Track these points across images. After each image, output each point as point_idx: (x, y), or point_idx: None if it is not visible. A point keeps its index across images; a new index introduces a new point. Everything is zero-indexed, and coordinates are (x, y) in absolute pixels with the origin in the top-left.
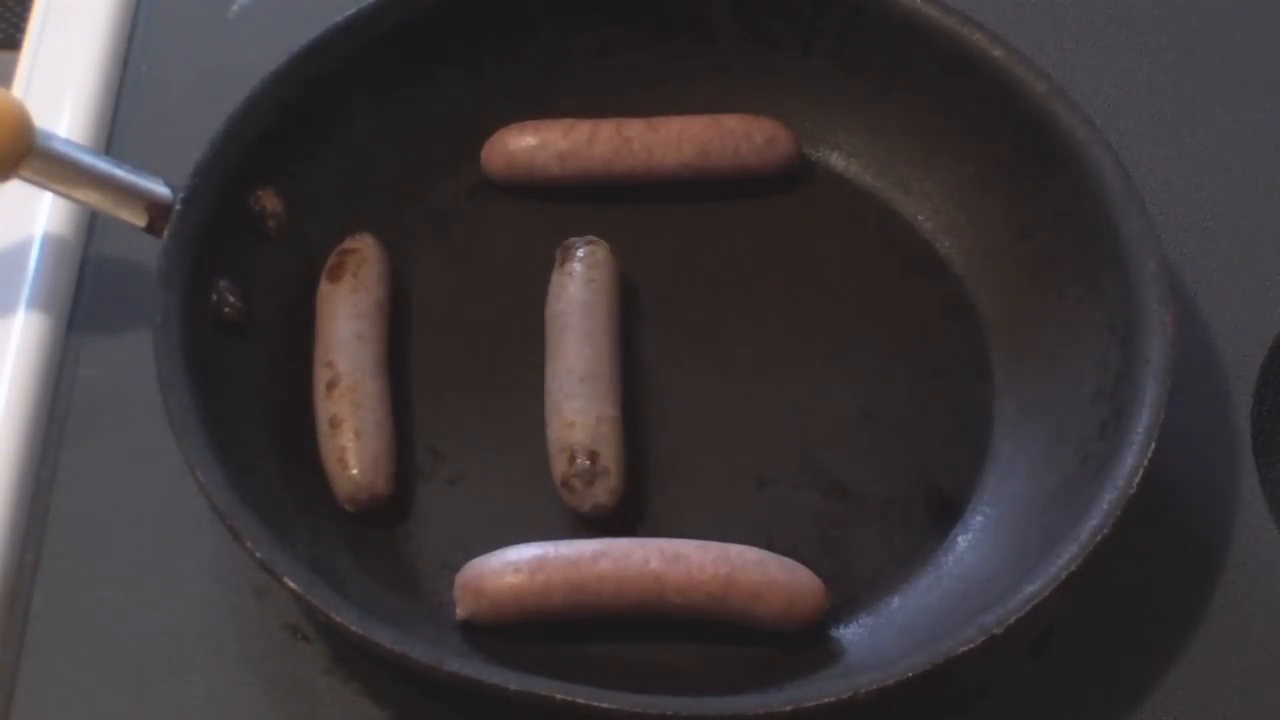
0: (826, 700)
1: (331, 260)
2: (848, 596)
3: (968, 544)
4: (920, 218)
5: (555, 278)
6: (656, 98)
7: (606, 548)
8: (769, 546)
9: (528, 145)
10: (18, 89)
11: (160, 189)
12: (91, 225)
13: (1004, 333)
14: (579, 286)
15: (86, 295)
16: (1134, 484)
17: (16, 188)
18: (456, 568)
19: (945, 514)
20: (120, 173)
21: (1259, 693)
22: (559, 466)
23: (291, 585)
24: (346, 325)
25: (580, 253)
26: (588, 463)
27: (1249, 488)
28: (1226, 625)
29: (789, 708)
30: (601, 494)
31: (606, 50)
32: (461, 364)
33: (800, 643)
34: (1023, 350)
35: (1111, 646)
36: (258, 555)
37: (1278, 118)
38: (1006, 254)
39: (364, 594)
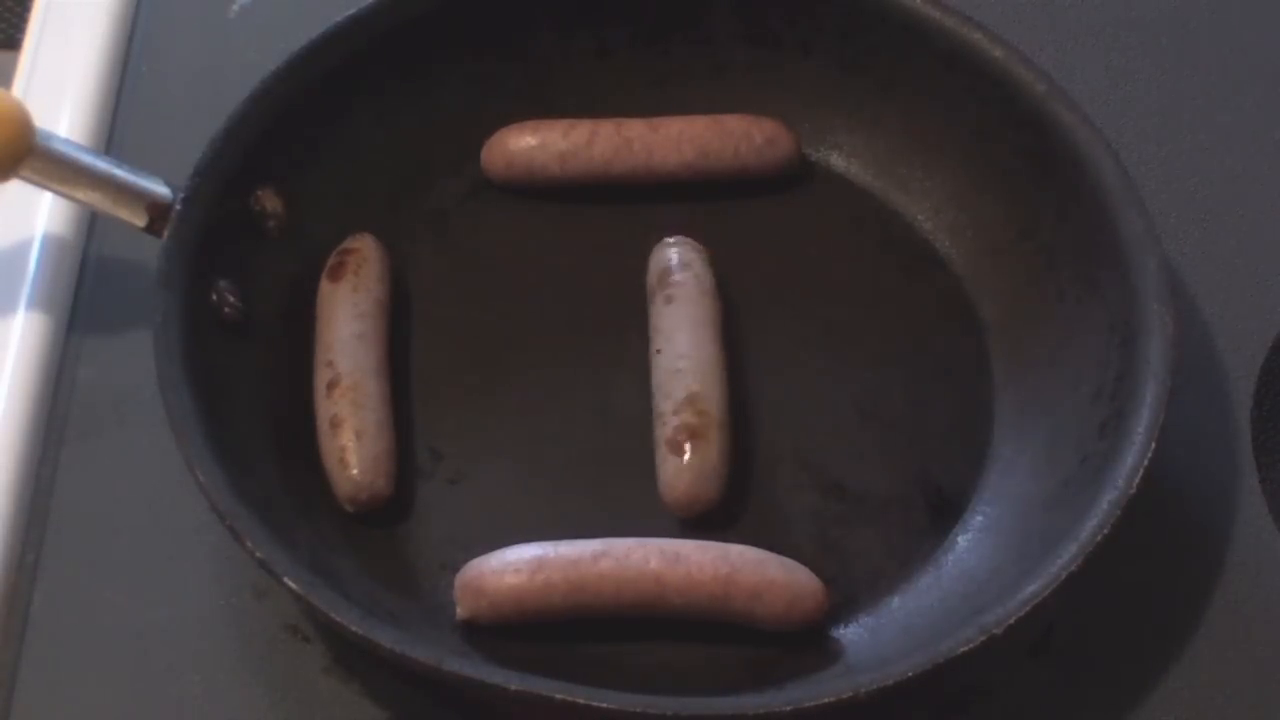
0: (827, 700)
1: (332, 260)
2: (848, 596)
3: (968, 544)
4: (920, 218)
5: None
6: (656, 98)
7: (606, 548)
8: (769, 546)
9: (528, 145)
10: (18, 89)
11: (160, 189)
12: (91, 225)
13: (1004, 333)
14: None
15: (86, 295)
16: (1134, 484)
17: (16, 188)
18: (456, 568)
19: (945, 514)
20: (120, 173)
21: (1259, 693)
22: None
23: (292, 585)
24: (347, 325)
25: (693, 247)
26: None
27: (1249, 488)
28: (1226, 625)
29: (789, 708)
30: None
31: (606, 50)
32: (461, 364)
33: (800, 643)
34: (1023, 350)
35: (1111, 646)
36: (258, 555)
37: (1278, 118)
38: (1006, 254)
39: (364, 594)
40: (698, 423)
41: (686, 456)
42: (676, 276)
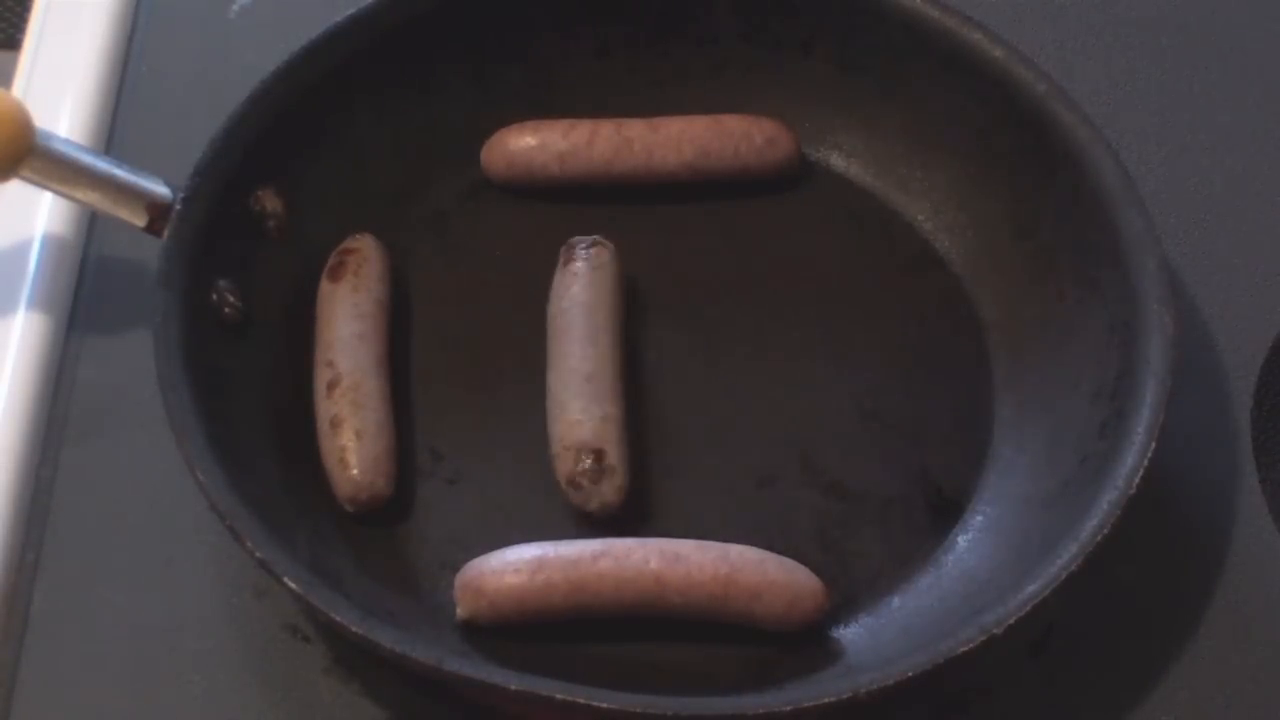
0: (827, 700)
1: (332, 260)
2: (848, 596)
3: (968, 544)
4: (920, 218)
5: (558, 277)
6: (656, 98)
7: (606, 548)
8: (769, 546)
9: (528, 145)
10: (18, 89)
11: (160, 189)
12: (91, 225)
13: (1004, 333)
14: (582, 286)
15: (86, 295)
16: (1134, 484)
17: (16, 188)
18: (456, 568)
19: (945, 514)
20: (120, 173)
21: (1259, 693)
22: (565, 465)
23: (292, 585)
24: (347, 325)
25: (584, 252)
26: (594, 461)
27: (1249, 488)
28: (1226, 625)
29: (789, 708)
30: (608, 492)
31: (606, 50)
32: (461, 364)
33: (800, 643)
34: (1023, 350)
35: (1111, 646)
36: (258, 555)
37: (1278, 118)
38: (1006, 254)
39: (364, 594)
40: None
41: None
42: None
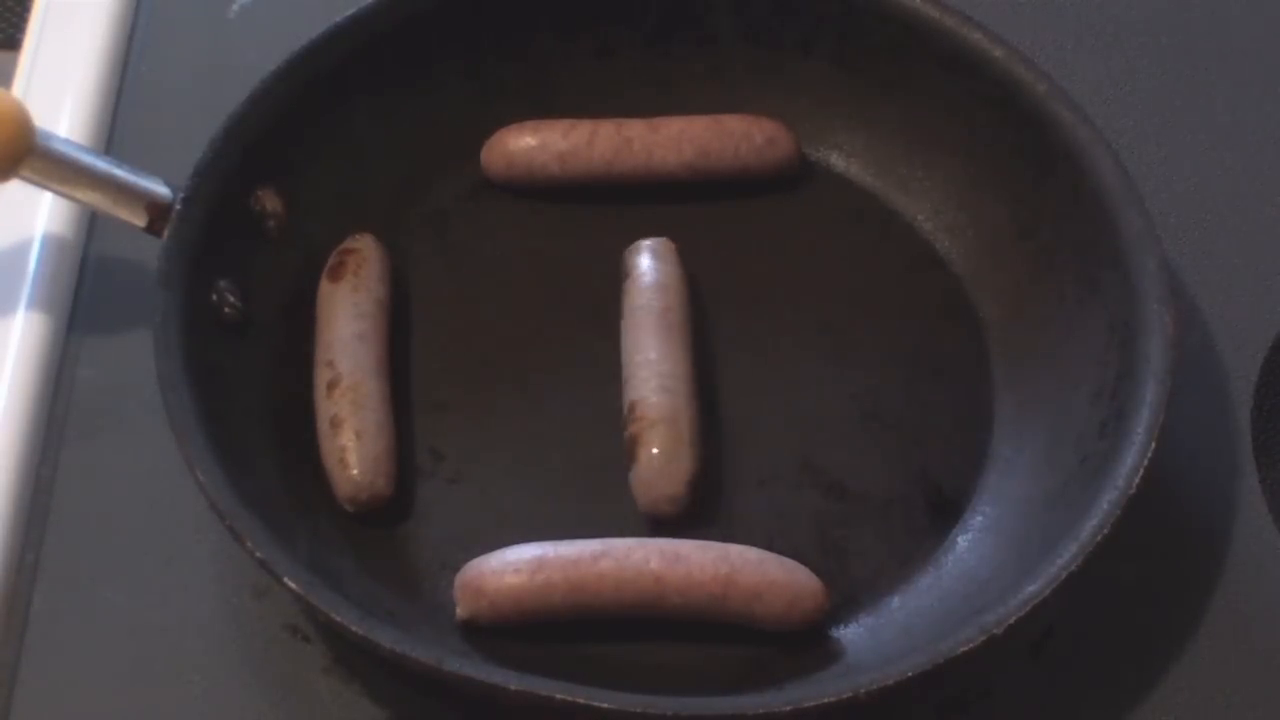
0: (827, 700)
1: (332, 260)
2: (848, 596)
3: (968, 544)
4: (920, 218)
5: (645, 270)
6: (656, 98)
7: (606, 548)
8: (769, 546)
9: (528, 145)
10: (18, 89)
11: (160, 189)
12: (91, 225)
13: (1004, 333)
14: (673, 283)
15: (86, 295)
16: (1134, 484)
17: (16, 188)
18: (456, 568)
19: (945, 514)
20: (120, 173)
21: (1259, 693)
22: (692, 463)
23: (291, 585)
24: (347, 325)
25: (663, 250)
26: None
27: (1249, 488)
28: (1226, 625)
29: (789, 708)
30: (691, 500)
31: (606, 50)
32: (461, 363)
33: (800, 643)
34: (1023, 350)
35: (1111, 646)
36: (258, 555)
37: (1278, 118)
38: (1006, 254)
39: (364, 594)
40: (638, 430)
41: (638, 464)
42: (623, 286)
